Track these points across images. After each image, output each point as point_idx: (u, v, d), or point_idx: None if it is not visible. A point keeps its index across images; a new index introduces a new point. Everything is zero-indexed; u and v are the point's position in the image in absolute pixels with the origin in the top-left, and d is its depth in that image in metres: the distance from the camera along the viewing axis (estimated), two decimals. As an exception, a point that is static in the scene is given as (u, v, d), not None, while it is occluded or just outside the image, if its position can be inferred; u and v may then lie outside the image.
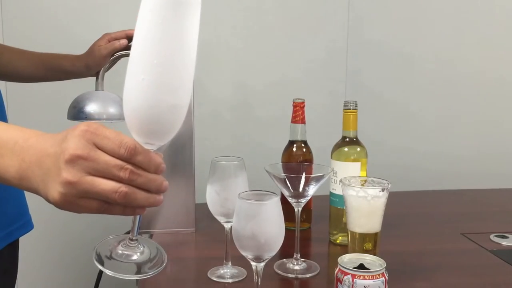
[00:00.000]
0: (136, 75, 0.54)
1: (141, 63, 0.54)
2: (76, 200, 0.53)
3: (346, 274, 0.72)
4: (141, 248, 0.62)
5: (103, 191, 0.53)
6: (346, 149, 1.07)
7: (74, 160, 0.52)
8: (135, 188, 0.54)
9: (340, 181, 0.92)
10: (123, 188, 0.53)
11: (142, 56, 0.54)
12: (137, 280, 0.93)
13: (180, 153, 1.15)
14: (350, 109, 1.07)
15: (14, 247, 1.05)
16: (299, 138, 1.16)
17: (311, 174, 0.94)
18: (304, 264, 0.98)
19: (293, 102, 1.14)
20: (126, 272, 0.60)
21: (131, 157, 0.54)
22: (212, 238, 1.12)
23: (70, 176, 0.52)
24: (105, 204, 0.54)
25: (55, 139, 0.55)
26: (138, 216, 0.60)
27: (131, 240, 0.62)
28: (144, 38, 0.54)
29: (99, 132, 0.53)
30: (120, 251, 0.61)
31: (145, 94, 0.54)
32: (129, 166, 0.53)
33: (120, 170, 0.53)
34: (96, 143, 0.53)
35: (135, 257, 0.61)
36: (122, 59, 1.16)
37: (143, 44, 0.54)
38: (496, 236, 1.13)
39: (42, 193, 0.55)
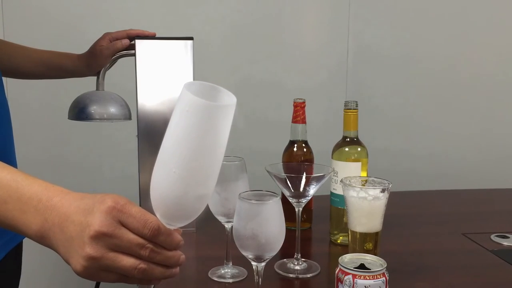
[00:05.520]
0: (167, 166, 0.56)
1: (174, 157, 0.55)
2: (97, 273, 0.56)
3: (347, 274, 0.72)
4: None
5: (123, 267, 0.56)
6: (346, 149, 1.07)
7: (98, 237, 0.54)
8: (153, 264, 0.57)
9: (341, 181, 0.92)
10: (142, 265, 0.56)
11: (175, 151, 0.55)
12: None
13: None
14: (350, 109, 1.07)
15: (18, 249, 1.05)
16: (299, 138, 1.16)
17: (312, 174, 0.94)
18: (304, 264, 0.97)
19: (294, 102, 1.14)
20: None
21: (154, 238, 0.56)
22: (212, 238, 1.12)
23: (93, 251, 0.54)
24: (123, 277, 0.57)
25: (79, 206, 0.56)
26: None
27: None
28: (179, 134, 0.55)
29: (125, 210, 0.55)
30: None
31: (174, 185, 0.56)
32: (150, 245, 0.56)
33: (141, 249, 0.56)
34: (121, 221, 0.55)
35: None
36: (123, 58, 1.16)
37: (178, 140, 0.55)
38: (497, 236, 1.13)
39: (63, 257, 0.57)
